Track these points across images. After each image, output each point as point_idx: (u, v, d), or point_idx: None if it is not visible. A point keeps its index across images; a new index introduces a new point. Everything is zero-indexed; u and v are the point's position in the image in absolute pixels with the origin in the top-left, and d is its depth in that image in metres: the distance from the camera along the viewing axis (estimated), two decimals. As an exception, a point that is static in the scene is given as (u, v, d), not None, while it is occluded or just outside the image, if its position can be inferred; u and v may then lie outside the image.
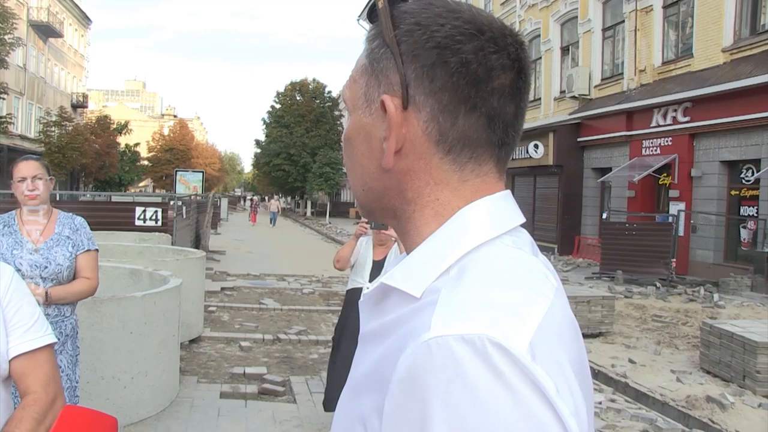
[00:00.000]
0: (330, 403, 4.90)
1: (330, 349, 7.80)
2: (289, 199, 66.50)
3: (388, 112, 0.75)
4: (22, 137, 37.24)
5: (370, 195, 0.82)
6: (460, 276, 0.70)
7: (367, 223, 4.83)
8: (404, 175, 0.77)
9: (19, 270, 3.09)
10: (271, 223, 38.83)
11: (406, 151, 0.76)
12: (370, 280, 4.81)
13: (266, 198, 77.65)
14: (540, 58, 23.60)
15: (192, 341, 7.68)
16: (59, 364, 3.20)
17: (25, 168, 3.21)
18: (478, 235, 0.74)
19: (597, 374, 7.07)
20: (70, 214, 3.45)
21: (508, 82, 0.76)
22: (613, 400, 6.36)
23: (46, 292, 3.14)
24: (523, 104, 0.79)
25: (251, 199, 55.51)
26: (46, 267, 3.18)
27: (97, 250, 3.45)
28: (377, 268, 4.86)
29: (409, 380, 0.62)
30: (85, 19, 52.81)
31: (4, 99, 26.30)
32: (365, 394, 0.72)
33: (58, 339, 3.20)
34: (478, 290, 0.67)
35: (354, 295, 4.90)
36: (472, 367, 0.60)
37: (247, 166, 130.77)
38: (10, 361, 1.70)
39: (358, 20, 53.05)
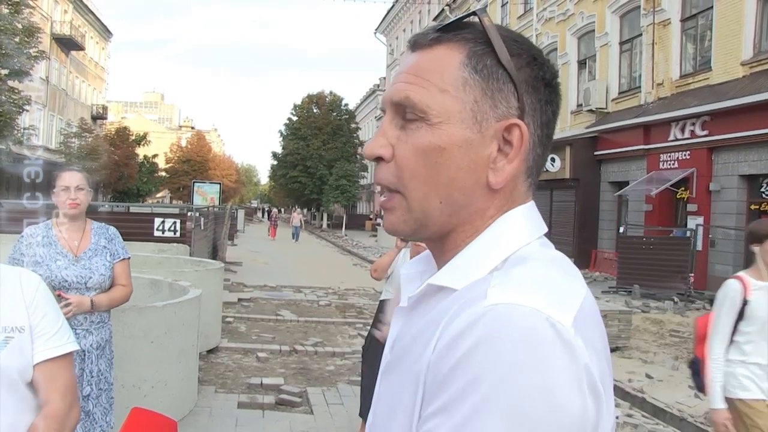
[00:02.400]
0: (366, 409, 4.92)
1: (346, 361, 7.85)
2: (305, 211, 66.70)
3: (522, 137, 0.81)
4: (45, 148, 37.67)
5: (447, 209, 0.83)
6: (507, 269, 0.78)
7: None
8: (496, 194, 0.83)
9: (65, 281, 3.22)
10: (293, 238, 35.06)
11: None
12: None
13: (281, 210, 77.65)
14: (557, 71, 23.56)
15: (210, 351, 7.73)
16: (99, 368, 3.32)
17: (69, 178, 3.34)
18: (518, 239, 0.82)
19: (614, 389, 7.03)
20: (103, 224, 3.59)
21: None
22: (630, 416, 6.33)
23: (92, 301, 3.27)
24: None
25: (269, 211, 54.47)
26: (90, 277, 3.31)
27: (129, 258, 3.60)
28: None
29: (462, 338, 0.69)
30: (105, 32, 53.49)
31: (27, 111, 26.66)
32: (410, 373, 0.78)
33: (100, 344, 3.34)
34: (528, 273, 0.76)
35: (387, 305, 4.91)
36: (516, 331, 0.67)
37: (263, 177, 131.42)
38: (33, 367, 1.75)
39: (375, 34, 53.48)
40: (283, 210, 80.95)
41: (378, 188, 0.90)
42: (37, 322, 1.77)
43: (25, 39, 23.44)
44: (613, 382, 0.83)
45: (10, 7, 23.11)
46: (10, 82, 23.87)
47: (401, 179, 0.83)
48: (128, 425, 1.37)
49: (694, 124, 16.13)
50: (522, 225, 0.84)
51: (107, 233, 3.50)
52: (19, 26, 23.36)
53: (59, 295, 3.08)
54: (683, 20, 17.46)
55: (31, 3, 24.57)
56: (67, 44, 42.46)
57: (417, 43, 0.86)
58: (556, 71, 0.86)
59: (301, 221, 37.16)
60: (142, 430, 1.37)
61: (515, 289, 0.72)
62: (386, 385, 0.86)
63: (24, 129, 25.91)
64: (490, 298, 0.71)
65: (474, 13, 0.83)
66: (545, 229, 0.86)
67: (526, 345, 0.67)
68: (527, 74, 0.82)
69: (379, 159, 0.85)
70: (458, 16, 0.84)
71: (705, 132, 15.77)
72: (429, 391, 0.72)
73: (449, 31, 0.84)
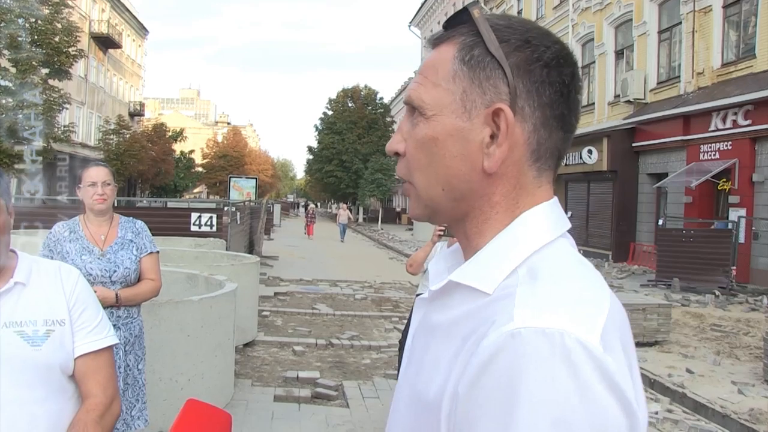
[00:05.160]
0: None
1: (382, 354, 7.85)
2: (344, 205, 66.99)
3: (507, 121, 0.82)
4: (83, 145, 38.42)
5: (450, 195, 0.86)
6: (532, 275, 0.77)
7: (441, 229, 4.77)
8: (497, 179, 0.84)
9: (90, 275, 3.20)
10: (341, 237, 31.33)
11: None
12: None
13: (318, 204, 77.73)
14: (594, 62, 23.25)
15: (246, 345, 7.79)
16: (127, 363, 3.29)
17: (96, 173, 3.33)
18: (540, 237, 0.83)
19: (653, 384, 6.91)
20: (131, 218, 3.55)
21: (579, 102, 0.88)
22: (670, 411, 6.21)
23: (117, 294, 3.24)
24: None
25: (305, 205, 53.69)
26: (115, 271, 3.28)
27: (158, 252, 3.55)
28: None
29: (492, 365, 0.69)
30: (142, 30, 54.23)
31: (67, 108, 27.20)
32: (435, 382, 0.79)
33: (128, 339, 3.30)
34: (552, 287, 0.75)
35: None
36: (548, 358, 0.67)
37: (299, 172, 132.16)
38: (74, 360, 1.77)
39: (409, 26, 53.30)
40: (319, 204, 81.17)
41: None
42: (78, 315, 1.79)
43: (65, 39, 23.90)
44: (642, 386, 0.81)
45: (50, 7, 23.59)
46: (51, 81, 24.37)
47: (410, 171, 0.89)
48: (183, 416, 1.37)
49: (736, 113, 15.75)
50: (542, 223, 0.84)
51: (134, 227, 3.47)
52: (59, 26, 23.84)
53: None
54: (725, 6, 17.04)
55: (70, 3, 25.03)
56: (105, 42, 43.16)
57: (429, 43, 0.91)
58: (559, 51, 0.84)
59: (348, 218, 33.63)
60: (196, 421, 1.37)
61: (541, 308, 0.71)
62: (408, 381, 0.89)
63: (64, 127, 26.42)
64: (517, 320, 0.71)
65: (465, 9, 0.85)
66: (567, 226, 0.86)
67: (559, 367, 0.67)
68: (518, 58, 0.82)
69: (397, 154, 0.91)
70: (454, 13, 0.87)
71: (748, 122, 15.39)
72: (462, 420, 0.72)
73: (451, 27, 0.88)
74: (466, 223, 0.88)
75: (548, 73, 0.83)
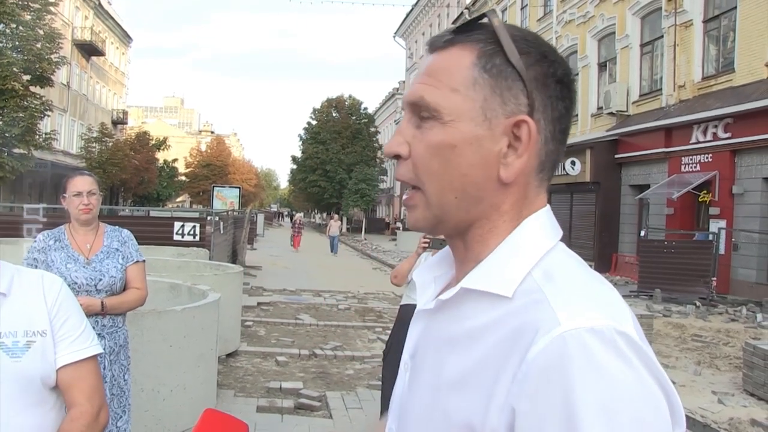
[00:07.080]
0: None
1: (365, 365, 7.83)
2: (325, 215, 66.76)
3: (530, 132, 0.83)
4: (65, 153, 38.13)
5: (463, 203, 0.85)
6: (549, 277, 0.79)
7: (426, 240, 4.75)
8: (509, 188, 0.85)
9: (75, 283, 3.17)
10: (332, 251, 28.86)
11: None
12: None
13: (303, 214, 77.35)
14: (577, 74, 23.44)
15: (229, 355, 7.74)
16: (113, 373, 3.26)
17: (81, 183, 3.30)
18: (545, 243, 0.85)
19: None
20: (117, 227, 3.54)
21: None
22: (652, 421, 6.24)
23: (102, 303, 3.21)
24: None
25: (291, 215, 52.92)
26: (100, 279, 3.26)
27: (144, 261, 3.53)
28: None
29: (549, 371, 0.70)
30: (126, 38, 54.04)
31: (48, 116, 26.98)
32: (466, 394, 0.78)
33: (113, 349, 3.27)
34: (577, 288, 0.78)
35: (408, 311, 4.80)
36: (604, 353, 0.70)
37: (283, 182, 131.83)
38: (57, 371, 1.73)
39: (394, 37, 53.50)
40: (303, 214, 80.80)
41: (399, 186, 0.91)
42: (60, 325, 1.76)
43: (47, 45, 23.73)
44: None
45: (32, 13, 23.42)
46: (32, 88, 24.17)
47: (418, 175, 0.87)
48: (201, 426, 1.36)
49: (716, 126, 15.95)
50: (544, 228, 0.86)
51: (120, 236, 3.46)
52: (41, 32, 23.67)
53: None
54: (705, 21, 17.29)
55: (52, 9, 24.85)
56: (88, 50, 42.95)
57: (433, 45, 0.89)
58: (568, 68, 0.87)
59: (339, 230, 30.85)
60: (214, 431, 1.36)
61: (581, 308, 0.74)
62: (421, 398, 0.87)
63: (45, 134, 26.19)
64: (565, 322, 0.72)
65: (485, 15, 0.86)
66: (561, 234, 0.88)
67: (616, 361, 0.70)
68: (536, 71, 0.84)
69: (397, 156, 0.89)
70: (470, 18, 0.87)
71: (728, 134, 15.59)
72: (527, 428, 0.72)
73: (462, 32, 0.87)
74: (470, 232, 0.87)
75: (561, 89, 0.85)
